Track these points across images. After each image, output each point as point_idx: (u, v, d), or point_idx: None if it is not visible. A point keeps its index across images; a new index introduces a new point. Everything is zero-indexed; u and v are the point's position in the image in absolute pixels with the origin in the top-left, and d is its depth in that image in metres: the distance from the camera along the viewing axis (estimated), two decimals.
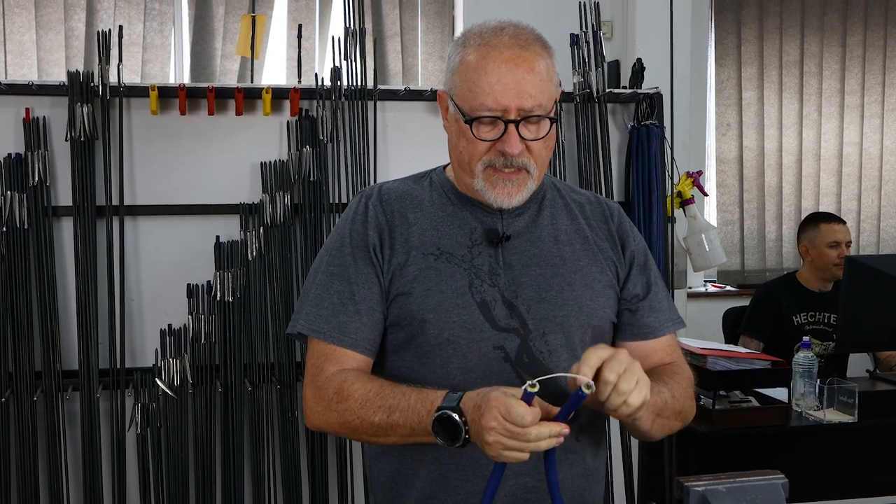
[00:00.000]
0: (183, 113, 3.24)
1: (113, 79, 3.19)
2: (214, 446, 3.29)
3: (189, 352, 3.24)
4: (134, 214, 3.29)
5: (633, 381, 1.30)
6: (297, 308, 1.58)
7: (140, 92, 3.24)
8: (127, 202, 3.26)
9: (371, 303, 1.52)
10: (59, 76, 4.02)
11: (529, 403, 1.26)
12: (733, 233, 5.46)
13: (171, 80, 4.50)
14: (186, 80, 4.50)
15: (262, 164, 3.32)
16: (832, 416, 2.97)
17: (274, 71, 4.67)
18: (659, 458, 3.02)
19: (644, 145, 3.61)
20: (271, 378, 3.31)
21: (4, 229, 3.12)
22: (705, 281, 5.31)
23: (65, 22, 4.37)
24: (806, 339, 3.20)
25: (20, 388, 3.15)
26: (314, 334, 1.52)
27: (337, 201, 3.37)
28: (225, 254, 3.27)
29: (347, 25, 3.44)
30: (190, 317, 3.24)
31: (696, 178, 3.81)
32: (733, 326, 3.94)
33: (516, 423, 1.25)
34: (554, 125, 1.49)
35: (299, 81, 3.53)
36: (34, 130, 3.16)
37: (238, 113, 3.29)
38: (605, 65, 3.58)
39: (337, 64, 3.38)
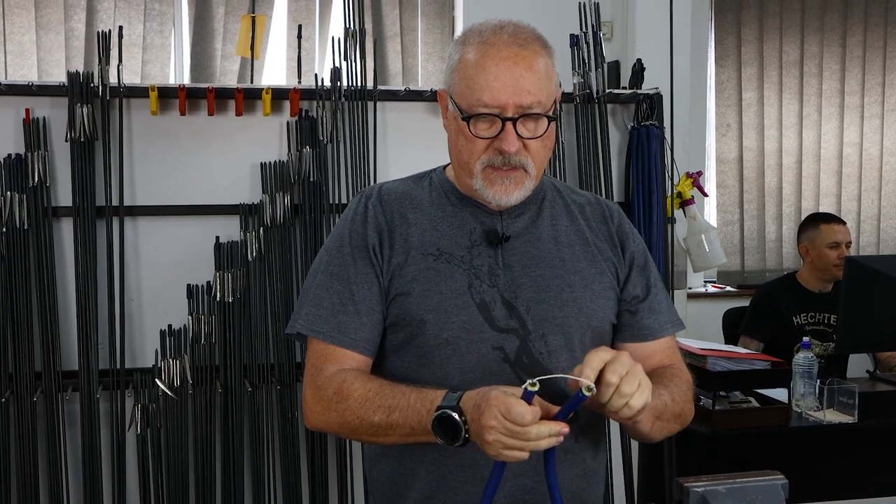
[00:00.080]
0: (183, 113, 3.24)
1: (113, 79, 3.19)
2: (214, 447, 3.29)
3: (189, 352, 3.24)
4: (134, 215, 3.29)
5: (635, 384, 1.30)
6: (296, 308, 1.58)
7: (140, 92, 3.24)
8: (127, 203, 3.26)
9: (370, 303, 1.52)
10: (59, 77, 4.02)
11: (529, 403, 1.26)
12: (733, 233, 5.46)
13: (171, 81, 4.50)
14: (186, 80, 4.49)
15: (262, 165, 3.32)
16: (832, 416, 2.97)
17: (274, 71, 4.67)
18: (658, 459, 3.02)
19: (644, 146, 3.61)
20: (271, 379, 3.31)
21: (4, 230, 3.12)
22: (705, 281, 5.31)
23: (65, 22, 4.37)
24: (806, 339, 3.20)
25: (20, 389, 3.15)
26: (314, 334, 1.52)
27: (337, 202, 3.37)
28: (225, 254, 3.27)
29: (347, 26, 3.44)
30: (190, 317, 3.24)
31: (696, 178, 3.81)
32: (733, 327, 3.94)
33: (516, 422, 1.25)
34: (553, 125, 1.49)
35: (299, 82, 3.53)
36: (34, 131, 3.16)
37: (238, 113, 3.29)
38: (605, 65, 3.58)
39: (337, 64, 3.38)
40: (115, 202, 3.23)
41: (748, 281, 5.36)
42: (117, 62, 3.19)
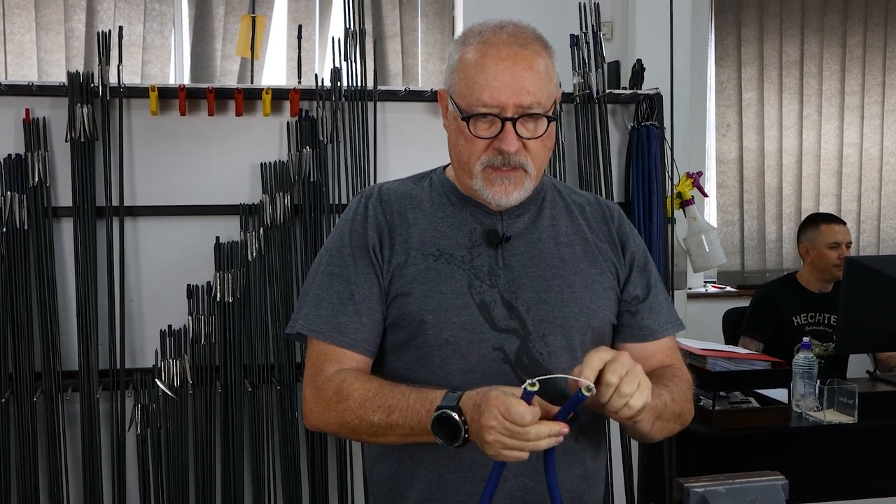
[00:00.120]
0: (183, 114, 3.24)
1: (113, 79, 3.19)
2: (214, 447, 3.29)
3: (189, 352, 3.24)
4: (134, 215, 3.29)
5: (634, 384, 1.30)
6: (296, 308, 1.58)
7: (140, 93, 3.24)
8: (127, 203, 3.26)
9: (371, 303, 1.51)
10: (59, 77, 4.02)
11: (529, 403, 1.26)
12: (733, 233, 5.46)
13: (171, 81, 4.50)
14: (186, 80, 4.50)
15: (262, 165, 3.32)
16: (832, 416, 2.97)
17: (274, 72, 4.67)
18: (659, 460, 3.02)
19: (644, 146, 3.61)
20: (271, 379, 3.31)
21: (4, 230, 3.12)
22: (705, 282, 5.31)
23: (65, 22, 4.37)
24: (806, 339, 3.20)
25: (20, 389, 3.15)
26: (313, 334, 1.52)
27: (337, 202, 3.37)
28: (225, 254, 3.27)
29: (347, 26, 3.44)
30: (190, 317, 3.24)
31: (696, 178, 3.81)
32: (733, 327, 3.94)
33: (516, 422, 1.25)
34: (552, 125, 1.49)
35: (299, 82, 3.53)
36: (34, 131, 3.16)
37: (238, 114, 3.29)
38: (605, 65, 3.58)
39: (337, 65, 3.38)
40: (115, 202, 3.23)
41: (748, 281, 5.36)
42: (117, 62, 3.19)
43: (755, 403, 2.94)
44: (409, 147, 3.47)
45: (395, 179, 1.66)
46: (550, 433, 1.27)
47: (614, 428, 3.15)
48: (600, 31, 3.60)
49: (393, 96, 3.47)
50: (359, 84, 3.39)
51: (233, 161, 3.35)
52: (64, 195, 3.21)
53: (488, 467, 1.35)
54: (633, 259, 1.62)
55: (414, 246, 1.53)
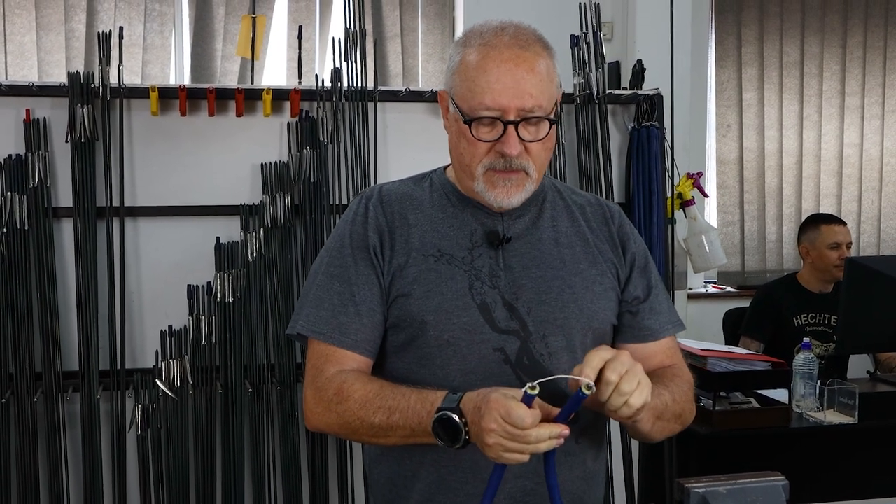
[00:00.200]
0: (183, 114, 3.24)
1: (113, 80, 3.19)
2: (215, 447, 3.29)
3: (189, 353, 3.24)
4: (134, 215, 3.29)
5: (634, 383, 1.30)
6: (297, 309, 1.58)
7: (140, 93, 3.24)
8: (127, 203, 3.26)
9: (371, 304, 1.51)
10: (59, 77, 4.02)
11: (529, 405, 1.26)
12: (733, 234, 5.46)
13: (172, 82, 4.51)
14: (187, 81, 4.50)
15: (263, 166, 3.32)
16: (832, 417, 2.97)
17: (274, 72, 4.67)
18: (659, 460, 3.02)
19: (644, 146, 3.61)
20: (272, 379, 3.31)
21: (5, 230, 3.12)
22: (705, 282, 5.31)
23: (65, 23, 4.38)
24: (806, 340, 3.20)
25: (20, 389, 3.15)
26: (314, 335, 1.52)
27: (337, 202, 3.37)
28: (225, 255, 3.27)
29: (348, 26, 3.44)
30: (190, 318, 3.24)
31: (696, 179, 3.81)
32: (734, 327, 3.94)
33: (516, 426, 1.25)
34: (553, 127, 1.49)
35: (300, 82, 3.53)
36: (34, 131, 3.16)
37: (238, 114, 3.29)
38: (606, 66, 3.58)
39: (337, 65, 3.38)
40: (115, 203, 3.23)
41: (748, 282, 5.36)
42: (118, 63, 3.19)
43: (755, 404, 2.94)
44: (409, 147, 3.47)
45: (396, 180, 1.66)
46: (551, 435, 1.27)
47: (615, 429, 3.16)
48: (601, 31, 3.60)
49: (393, 97, 3.47)
50: (359, 84, 3.39)
51: (233, 161, 3.35)
52: (64, 195, 3.21)
53: (489, 468, 1.35)
54: (634, 259, 1.62)
55: (414, 247, 1.52)
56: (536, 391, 1.25)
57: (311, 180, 3.32)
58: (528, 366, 1.48)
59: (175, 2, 4.52)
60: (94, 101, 3.17)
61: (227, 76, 4.56)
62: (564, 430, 1.28)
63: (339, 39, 3.42)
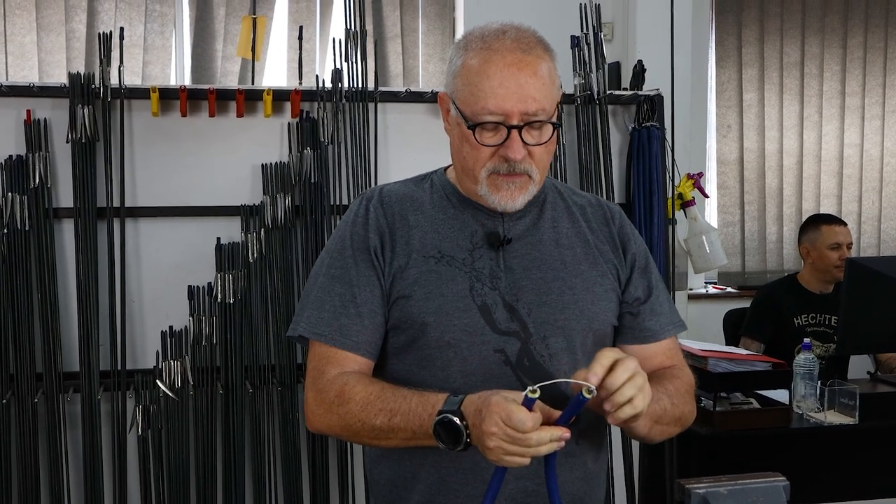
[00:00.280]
0: (184, 115, 3.24)
1: (114, 80, 3.19)
2: (215, 448, 3.29)
3: (190, 353, 3.24)
4: (135, 216, 3.29)
5: (636, 388, 1.30)
6: (298, 310, 1.58)
7: (141, 94, 3.24)
8: (128, 204, 3.26)
9: (372, 305, 1.51)
10: (59, 78, 4.02)
11: (530, 409, 1.26)
12: (734, 234, 5.46)
13: (172, 82, 4.50)
14: (187, 81, 4.50)
15: (263, 166, 3.32)
16: (833, 417, 2.97)
17: (275, 73, 4.67)
18: (660, 461, 3.02)
19: (645, 147, 3.61)
20: (272, 380, 3.31)
21: (5, 231, 3.13)
22: (706, 283, 5.30)
23: (66, 24, 4.37)
24: (807, 340, 3.20)
25: (21, 390, 3.15)
26: (315, 337, 1.52)
27: (338, 203, 3.37)
28: (226, 255, 3.28)
29: (348, 27, 3.44)
30: (191, 318, 3.25)
31: (696, 179, 3.81)
32: (734, 328, 3.94)
33: (517, 429, 1.25)
34: (556, 131, 1.49)
35: (300, 83, 3.53)
36: (35, 132, 3.16)
37: (239, 115, 3.29)
38: (606, 66, 3.58)
39: (338, 66, 3.39)
40: (116, 203, 3.24)
41: (749, 282, 5.36)
42: (118, 63, 3.19)
43: (756, 404, 2.94)
44: (409, 148, 3.47)
45: (396, 181, 1.66)
46: (552, 438, 1.27)
47: (615, 430, 3.15)
48: (601, 32, 3.61)
49: (394, 97, 3.47)
50: (359, 85, 3.39)
51: (234, 162, 3.35)
52: (65, 196, 3.22)
53: (489, 470, 1.35)
54: (634, 260, 1.62)
55: (415, 248, 1.52)
56: (537, 395, 1.25)
57: (312, 181, 3.32)
58: (529, 367, 1.48)
59: (175, 2, 4.52)
60: (95, 101, 3.17)
61: (228, 77, 4.56)
62: (565, 433, 1.28)
63: (340, 40, 3.42)
